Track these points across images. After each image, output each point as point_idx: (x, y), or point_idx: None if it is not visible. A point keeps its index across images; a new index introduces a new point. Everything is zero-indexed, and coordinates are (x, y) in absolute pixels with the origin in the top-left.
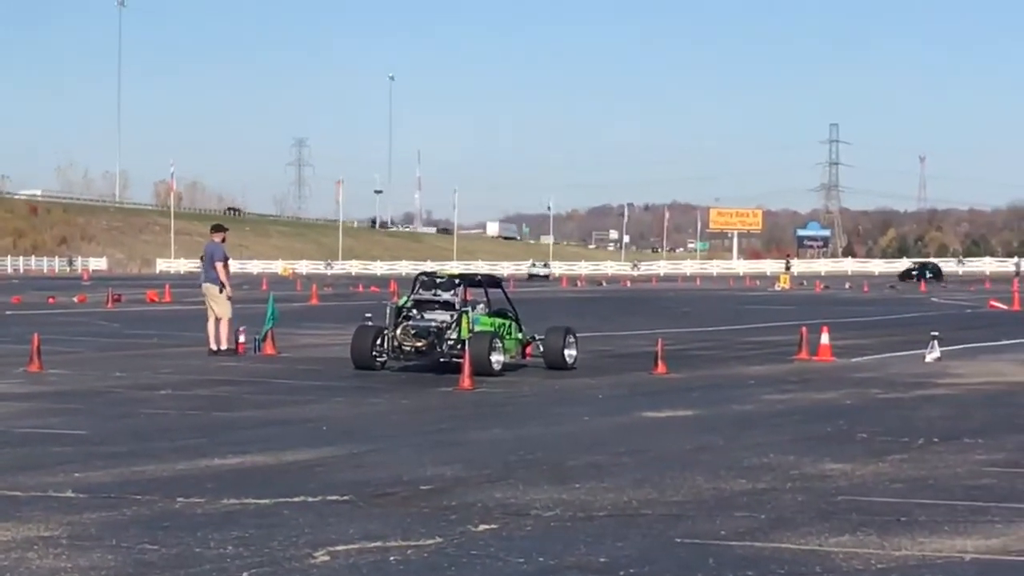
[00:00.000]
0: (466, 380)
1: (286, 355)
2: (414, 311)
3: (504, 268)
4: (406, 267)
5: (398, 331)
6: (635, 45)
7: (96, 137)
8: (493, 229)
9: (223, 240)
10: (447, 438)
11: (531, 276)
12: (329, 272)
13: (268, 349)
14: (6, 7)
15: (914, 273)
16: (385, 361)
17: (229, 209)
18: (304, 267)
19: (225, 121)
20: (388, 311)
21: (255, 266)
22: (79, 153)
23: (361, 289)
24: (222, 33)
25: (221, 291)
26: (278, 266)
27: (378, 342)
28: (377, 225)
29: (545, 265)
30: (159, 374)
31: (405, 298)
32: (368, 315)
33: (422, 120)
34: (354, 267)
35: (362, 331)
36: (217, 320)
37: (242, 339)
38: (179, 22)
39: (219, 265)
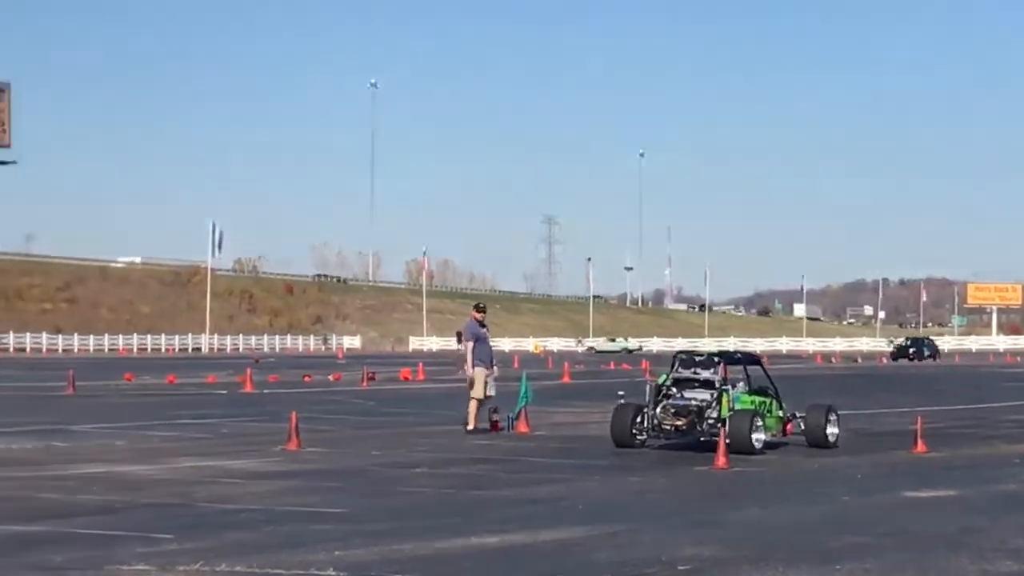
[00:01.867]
0: (721, 458)
1: (540, 433)
2: (674, 389)
3: (756, 345)
4: (657, 344)
5: (658, 409)
6: (887, 122)
7: (350, 217)
8: (800, 311)
9: (478, 320)
10: (704, 517)
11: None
12: (580, 350)
13: (521, 427)
14: (262, 90)
15: None
16: (645, 439)
17: (326, 276)
18: (555, 344)
19: (475, 200)
20: (648, 389)
21: (506, 344)
22: (333, 233)
23: (612, 367)
24: (472, 113)
25: (473, 369)
26: (529, 343)
27: (638, 420)
28: (628, 302)
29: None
30: (415, 452)
31: (664, 376)
32: (621, 393)
33: (673, 196)
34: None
35: (622, 409)
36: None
37: (496, 417)
38: (428, 103)
39: (468, 344)
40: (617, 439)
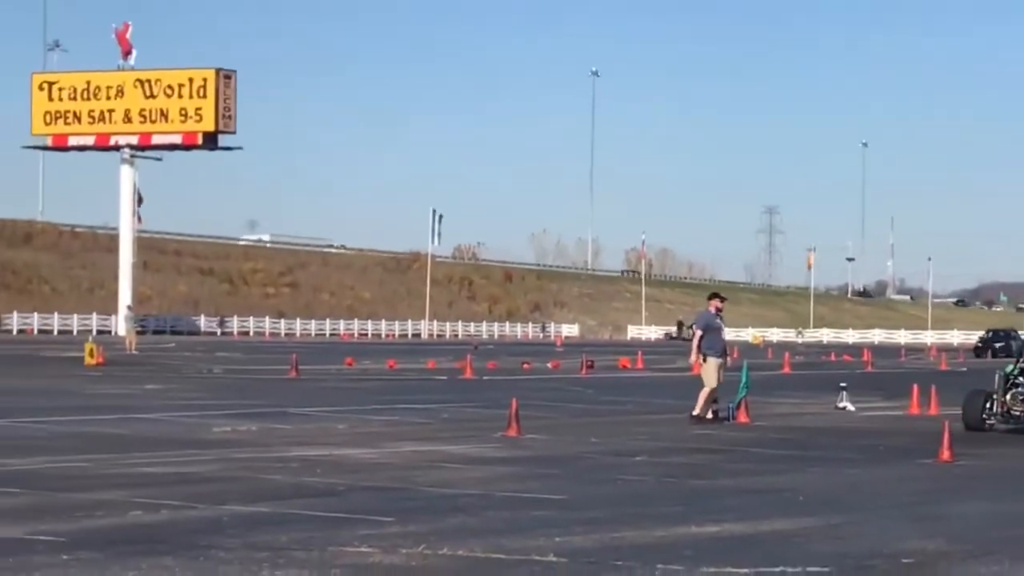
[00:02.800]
0: (946, 452)
1: (760, 423)
2: (1021, 378)
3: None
4: (879, 335)
5: (1007, 396)
6: None
7: (569, 204)
8: None
9: (717, 309)
10: (927, 511)
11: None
12: (800, 340)
13: (742, 417)
14: (483, 78)
15: None
16: (994, 424)
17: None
18: (775, 335)
19: (695, 189)
20: (997, 378)
21: (726, 334)
22: (552, 220)
23: (833, 358)
24: (693, 102)
25: (705, 360)
26: (748, 334)
27: (988, 406)
28: (849, 293)
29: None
30: (634, 440)
31: (1012, 366)
32: (843, 384)
33: (896, 186)
34: (825, 335)
35: (973, 395)
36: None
37: (716, 407)
38: (649, 91)
39: (697, 334)
40: (969, 423)
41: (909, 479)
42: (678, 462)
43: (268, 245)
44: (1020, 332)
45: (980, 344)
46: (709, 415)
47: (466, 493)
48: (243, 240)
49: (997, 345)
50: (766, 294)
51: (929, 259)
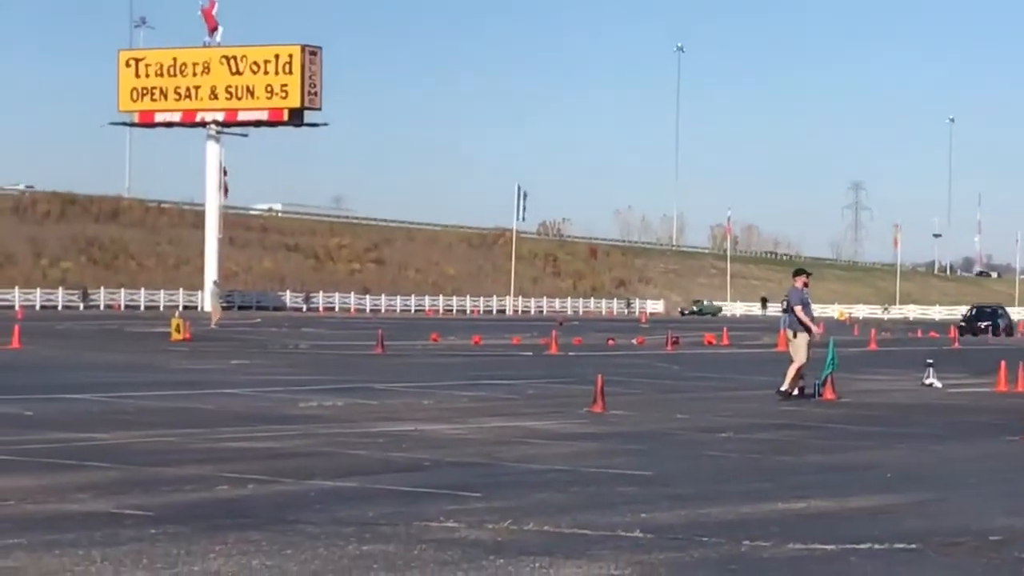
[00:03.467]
0: None
1: (846, 400)
2: None
3: None
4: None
5: None
6: None
7: (654, 181)
8: None
9: (804, 284)
10: (1015, 488)
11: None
12: (886, 317)
13: (828, 394)
14: (568, 52)
15: None
16: None
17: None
18: (860, 311)
19: (781, 165)
20: None
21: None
22: (637, 197)
23: (920, 335)
24: (777, 77)
25: (795, 336)
26: (834, 310)
27: None
28: (935, 269)
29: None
30: (720, 417)
31: None
32: (930, 361)
33: (983, 162)
34: (912, 312)
35: None
36: (792, 364)
37: (803, 383)
38: (734, 67)
39: (797, 309)
40: None
41: (997, 456)
42: (764, 438)
43: (354, 221)
44: (1007, 309)
45: (964, 323)
46: (796, 391)
47: (552, 469)
48: (330, 216)
49: (983, 324)
50: (852, 270)
51: (1017, 239)
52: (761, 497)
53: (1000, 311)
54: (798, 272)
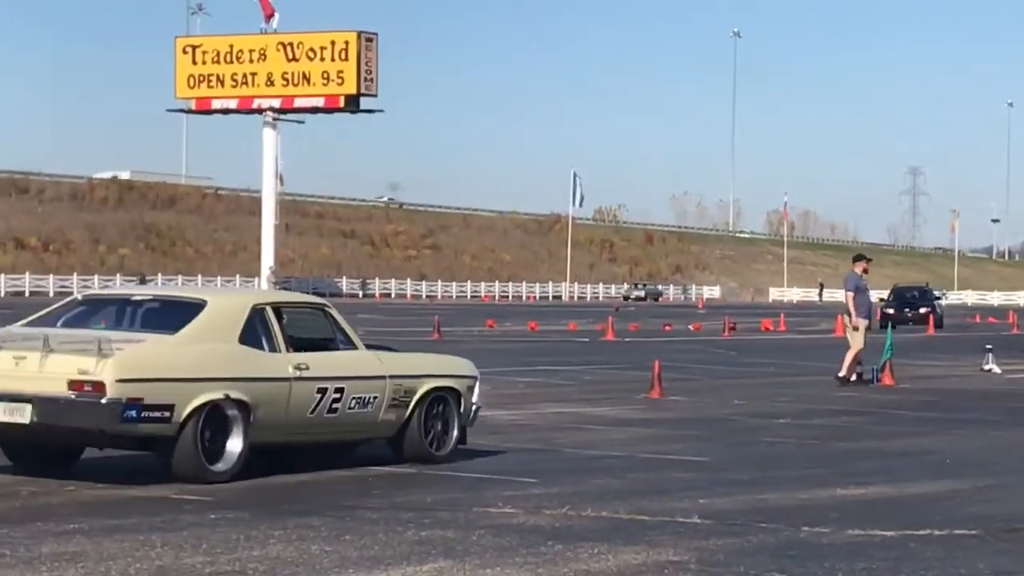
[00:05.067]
0: None
1: (904, 386)
2: None
3: None
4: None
5: None
6: None
7: (710, 167)
8: None
9: (864, 270)
10: None
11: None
12: (943, 303)
13: (886, 380)
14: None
15: None
16: None
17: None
18: None
19: (837, 150)
20: None
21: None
22: (693, 183)
23: (978, 319)
24: (834, 63)
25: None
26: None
27: None
28: (993, 255)
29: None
30: (777, 402)
31: None
32: (989, 347)
33: None
34: (969, 298)
35: None
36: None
37: (860, 369)
38: (790, 52)
39: (848, 295)
40: None
41: None
42: (822, 424)
43: (410, 207)
44: (938, 290)
45: (884, 311)
46: (854, 377)
47: (609, 455)
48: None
49: (907, 311)
50: (910, 256)
51: None
52: (819, 483)
53: (930, 293)
54: (858, 258)
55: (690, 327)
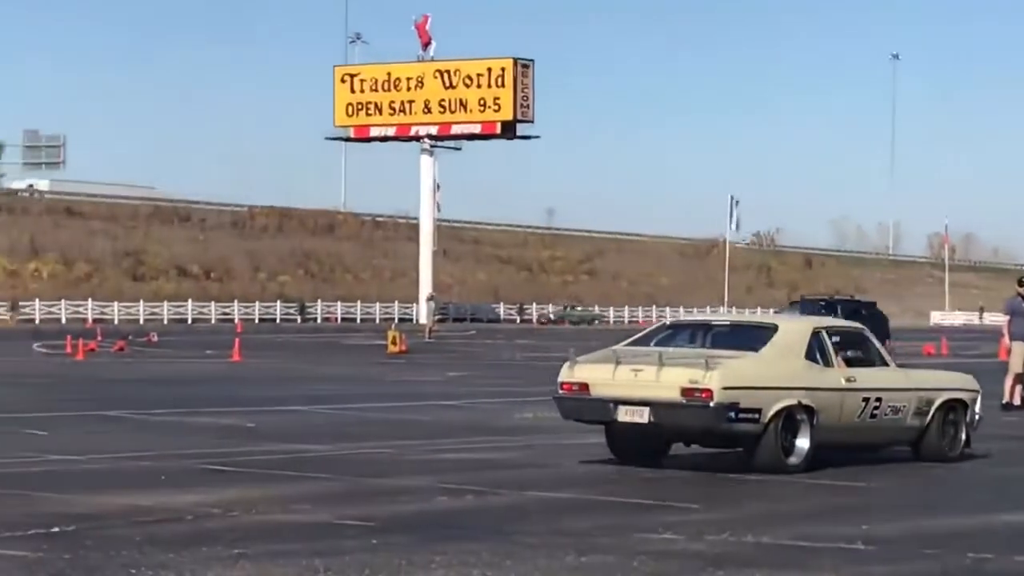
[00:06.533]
0: None
1: None
2: None
3: None
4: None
5: None
6: None
7: (869, 190)
8: None
9: (1022, 295)
10: None
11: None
12: None
13: None
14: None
15: None
16: None
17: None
18: None
19: (999, 171)
20: None
21: None
22: (852, 206)
23: None
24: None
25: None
26: None
27: None
28: None
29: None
30: None
31: None
32: None
33: None
34: None
35: None
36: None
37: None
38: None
39: (1005, 318)
40: None
41: None
42: (985, 449)
43: (566, 233)
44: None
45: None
46: (1017, 401)
47: (771, 479)
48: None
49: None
50: None
51: None
52: (984, 509)
53: (840, 304)
54: (1021, 280)
55: None
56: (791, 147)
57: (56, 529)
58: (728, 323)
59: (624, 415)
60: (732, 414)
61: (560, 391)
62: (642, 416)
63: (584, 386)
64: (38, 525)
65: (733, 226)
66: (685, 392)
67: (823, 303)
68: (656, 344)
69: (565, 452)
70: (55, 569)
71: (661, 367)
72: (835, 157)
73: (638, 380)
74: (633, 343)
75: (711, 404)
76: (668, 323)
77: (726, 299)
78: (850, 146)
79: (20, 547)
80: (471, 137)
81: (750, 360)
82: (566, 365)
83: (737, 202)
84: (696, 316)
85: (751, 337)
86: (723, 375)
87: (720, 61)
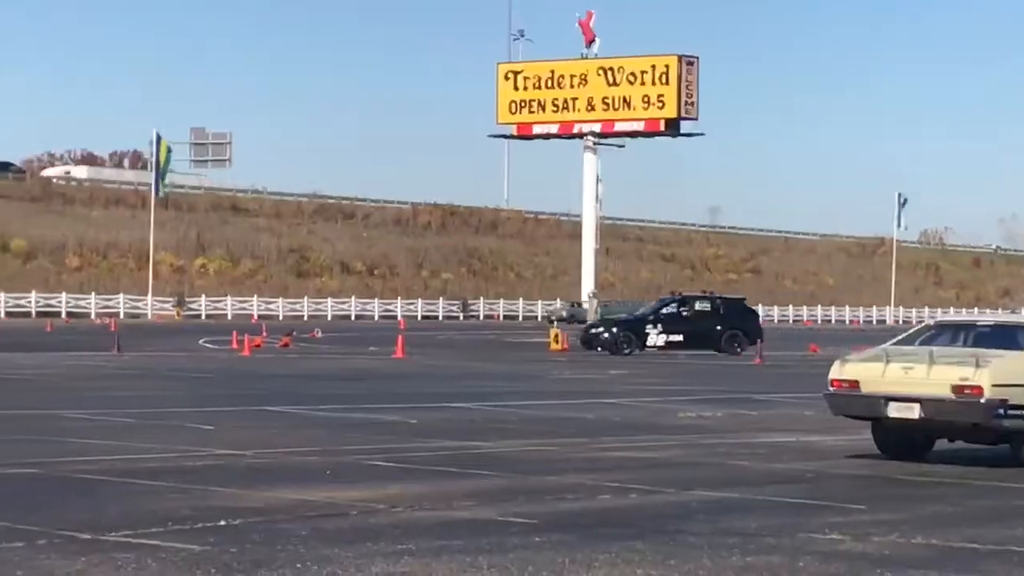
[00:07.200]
0: None
1: None
2: None
3: None
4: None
5: None
6: None
7: None
8: None
9: None
10: None
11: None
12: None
13: None
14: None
15: None
16: None
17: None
18: None
19: None
20: None
21: None
22: (1022, 205)
23: None
24: None
25: None
26: None
27: None
28: None
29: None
30: None
31: None
32: None
33: None
34: None
35: None
36: None
37: None
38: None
39: None
40: None
41: None
42: None
43: (730, 231)
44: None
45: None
46: None
47: (942, 482)
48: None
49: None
50: None
51: None
52: None
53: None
54: None
55: None
56: (960, 145)
57: (223, 523)
58: (991, 323)
59: (894, 411)
60: (1001, 411)
61: (831, 387)
62: (912, 412)
63: (855, 383)
64: (205, 519)
65: (900, 224)
66: (956, 389)
67: (676, 300)
68: (921, 343)
69: (729, 451)
70: (221, 562)
71: (932, 365)
72: (1005, 155)
73: (909, 378)
74: (899, 342)
75: (981, 401)
76: (932, 323)
77: (892, 298)
78: (1020, 143)
79: (187, 540)
80: (634, 135)
81: (1018, 359)
82: (837, 363)
83: (905, 200)
84: (960, 317)
85: (1015, 337)
86: (993, 373)
87: (887, 58)
